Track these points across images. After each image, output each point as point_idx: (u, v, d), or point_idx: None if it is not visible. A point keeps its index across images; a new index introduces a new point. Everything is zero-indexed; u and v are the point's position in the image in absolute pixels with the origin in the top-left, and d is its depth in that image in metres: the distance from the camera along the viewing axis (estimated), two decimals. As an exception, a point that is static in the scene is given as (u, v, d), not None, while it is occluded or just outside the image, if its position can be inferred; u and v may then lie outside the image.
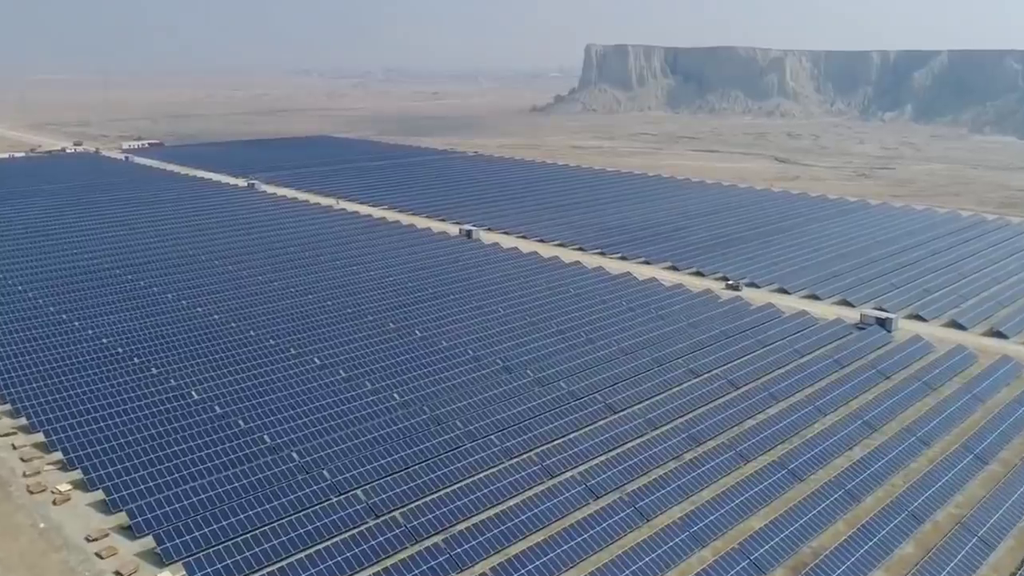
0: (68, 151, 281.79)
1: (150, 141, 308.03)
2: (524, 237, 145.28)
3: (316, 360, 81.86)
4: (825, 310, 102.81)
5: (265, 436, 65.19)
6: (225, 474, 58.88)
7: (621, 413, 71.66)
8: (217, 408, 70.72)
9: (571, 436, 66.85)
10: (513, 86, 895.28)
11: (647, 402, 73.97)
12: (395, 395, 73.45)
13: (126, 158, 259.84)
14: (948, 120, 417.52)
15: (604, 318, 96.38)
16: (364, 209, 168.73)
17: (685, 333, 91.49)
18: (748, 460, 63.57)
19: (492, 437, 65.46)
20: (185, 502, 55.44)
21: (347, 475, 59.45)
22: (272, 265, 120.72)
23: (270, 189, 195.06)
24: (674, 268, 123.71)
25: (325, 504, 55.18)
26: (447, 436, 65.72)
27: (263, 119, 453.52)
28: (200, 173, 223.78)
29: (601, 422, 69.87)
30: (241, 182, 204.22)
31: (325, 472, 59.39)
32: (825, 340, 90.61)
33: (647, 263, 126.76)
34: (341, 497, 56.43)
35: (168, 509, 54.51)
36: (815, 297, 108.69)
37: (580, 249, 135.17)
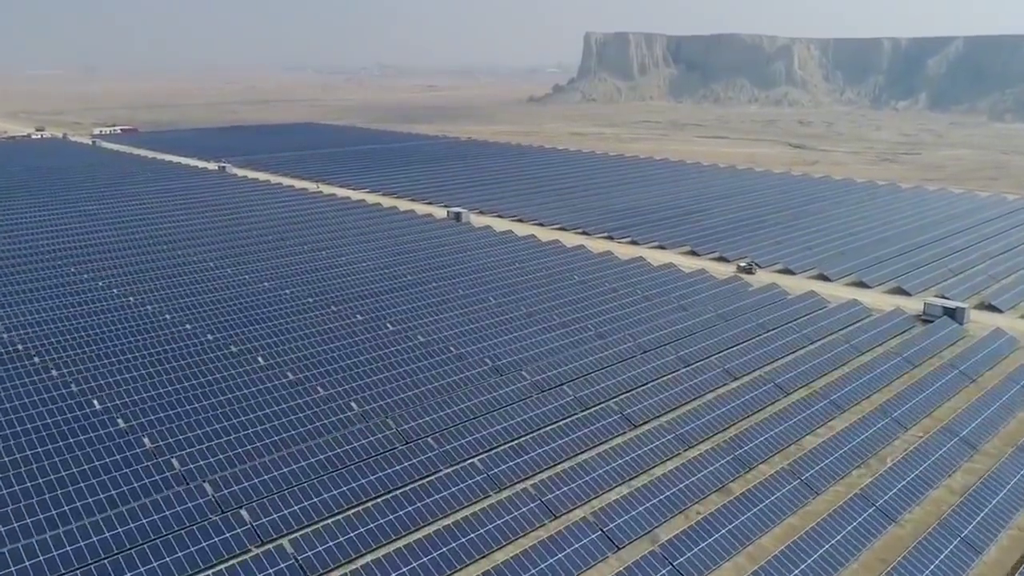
0: (33, 136, 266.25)
1: (124, 127, 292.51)
2: (520, 220, 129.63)
3: (260, 360, 66.14)
4: (877, 299, 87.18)
5: (166, 463, 49.31)
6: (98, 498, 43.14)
7: (643, 428, 56.05)
8: (120, 422, 54.91)
9: (580, 459, 51.20)
10: (510, 82, 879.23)
11: (675, 413, 58.35)
12: (353, 404, 57.72)
13: (93, 143, 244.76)
14: (965, 108, 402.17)
15: (616, 309, 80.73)
16: (345, 192, 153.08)
17: (715, 326, 75.84)
18: (817, 492, 47.89)
19: (475, 460, 49.76)
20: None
21: (266, 519, 43.67)
22: (229, 250, 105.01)
23: (243, 172, 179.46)
24: (693, 253, 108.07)
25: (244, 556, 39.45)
26: (415, 460, 50.00)
27: (251, 108, 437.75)
28: (169, 157, 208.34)
29: (618, 440, 54.24)
30: (212, 165, 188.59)
31: (230, 518, 43.61)
32: (886, 334, 74.95)
33: (661, 248, 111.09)
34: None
35: None
36: (862, 284, 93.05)
37: (584, 233, 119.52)
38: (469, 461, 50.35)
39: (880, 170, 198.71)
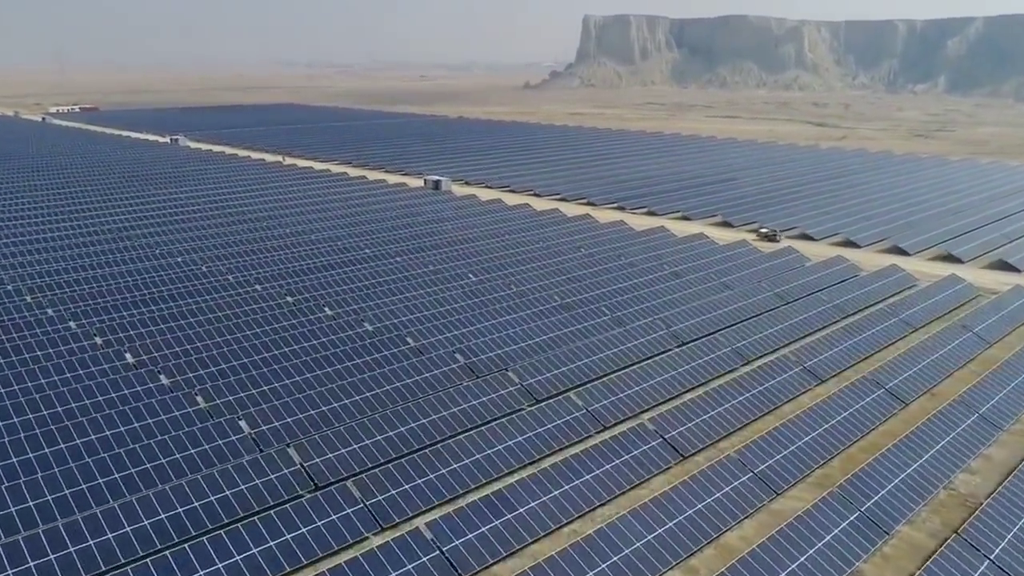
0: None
1: (83, 106, 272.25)
2: (510, 189, 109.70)
3: (128, 357, 46.04)
4: (979, 275, 67.24)
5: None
6: None
7: (693, 458, 36.11)
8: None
9: (600, 517, 31.23)
10: (506, 75, 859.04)
11: (735, 435, 38.40)
12: (242, 423, 37.61)
13: (42, 119, 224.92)
14: (987, 91, 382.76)
15: (637, 287, 60.75)
16: (314, 165, 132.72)
17: (775, 309, 56.01)
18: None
19: (420, 526, 29.74)
20: None
21: None
22: (151, 219, 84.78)
23: (199, 145, 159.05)
24: (726, 224, 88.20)
25: None
26: (333, 517, 30.00)
27: (235, 94, 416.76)
28: (122, 132, 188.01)
29: (656, 477, 34.27)
30: (165, 139, 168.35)
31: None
32: (1014, 320, 55.01)
33: (686, 219, 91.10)
34: None
35: None
36: (953, 259, 73.13)
37: (588, 203, 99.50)
38: (409, 521, 30.43)
39: (916, 145, 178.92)
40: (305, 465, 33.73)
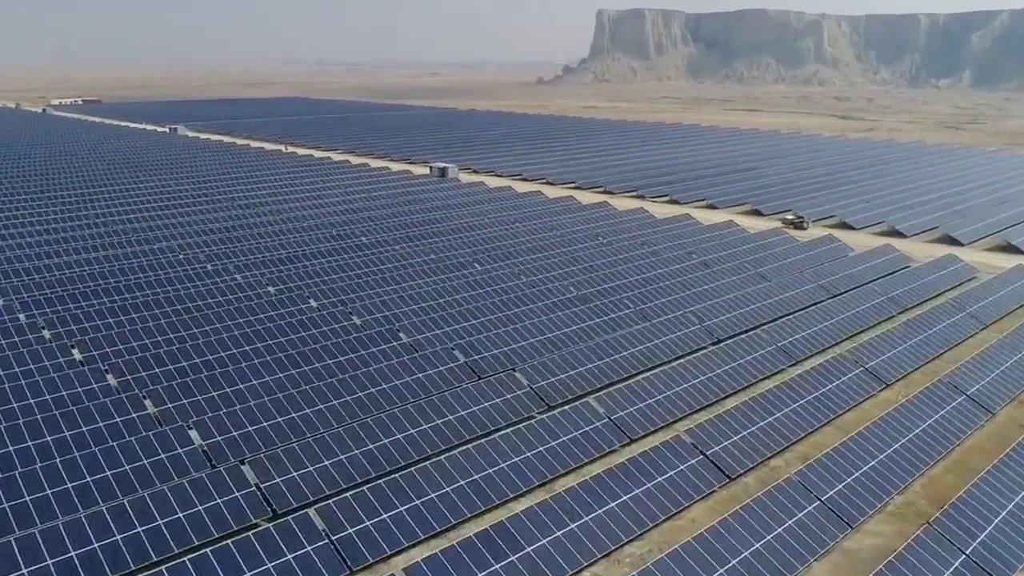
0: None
1: (86, 98, 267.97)
2: (521, 178, 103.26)
3: (76, 353, 39.89)
4: (1044, 268, 60.29)
5: None
6: None
7: (741, 479, 29.65)
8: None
9: (629, 558, 24.84)
10: (519, 72, 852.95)
11: (790, 451, 31.88)
12: (192, 433, 31.33)
13: (43, 110, 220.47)
14: (1014, 85, 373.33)
15: (662, 278, 54.22)
16: (314, 153, 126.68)
17: (819, 303, 49.46)
18: None
19: (398, 572, 23.35)
20: None
21: None
22: (137, 206, 78.90)
23: (198, 135, 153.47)
24: (756, 212, 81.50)
25: None
26: (288, 557, 23.65)
27: (241, 90, 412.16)
28: (121, 123, 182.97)
29: (698, 504, 27.81)
30: (164, 129, 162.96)
31: None
32: (1098, 316, 48.20)
33: (712, 207, 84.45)
34: None
35: None
36: (1014, 249, 66.16)
37: (605, 192, 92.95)
38: None
39: (947, 136, 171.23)
40: (262, 487, 27.41)
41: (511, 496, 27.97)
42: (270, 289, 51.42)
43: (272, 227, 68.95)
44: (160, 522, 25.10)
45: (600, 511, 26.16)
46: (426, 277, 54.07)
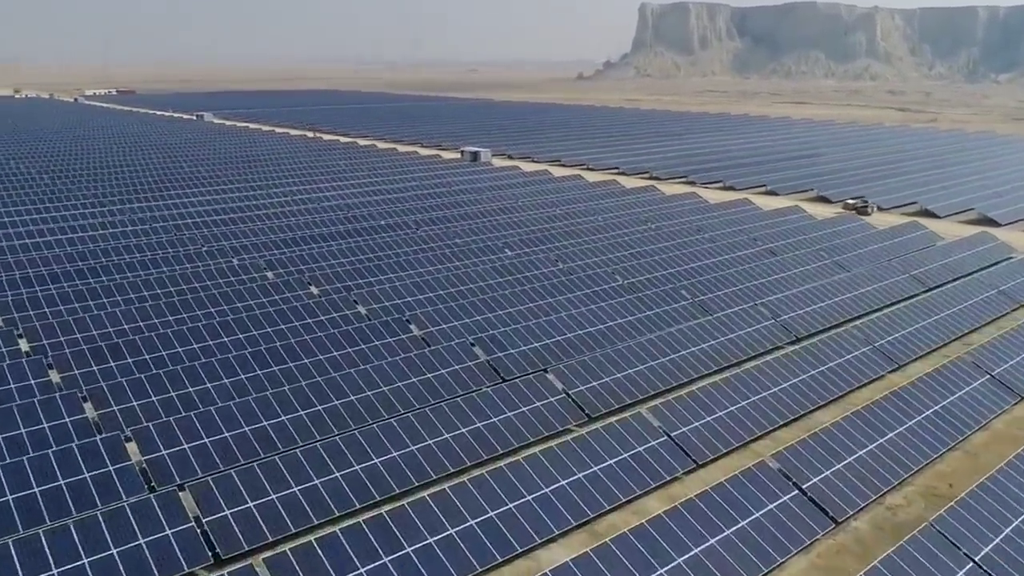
0: (16, 96, 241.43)
1: (120, 89, 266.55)
2: (559, 163, 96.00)
3: (23, 344, 33.59)
4: None
5: None
6: None
7: (849, 522, 22.03)
8: None
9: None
10: (558, 71, 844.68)
11: (911, 482, 24.20)
12: (132, 445, 24.59)
13: (75, 100, 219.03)
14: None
15: (722, 266, 46.72)
16: (340, 139, 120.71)
17: (914, 296, 41.59)
18: None
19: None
20: None
21: None
22: (140, 185, 73.16)
23: (224, 122, 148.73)
24: (823, 200, 73.21)
25: None
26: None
27: (274, 84, 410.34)
28: (150, 111, 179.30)
29: (800, 555, 20.17)
30: (191, 116, 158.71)
31: None
32: None
33: (772, 193, 76.41)
34: None
35: None
36: None
37: (651, 177, 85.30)
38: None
39: (1018, 128, 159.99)
40: (204, 521, 20.55)
41: (539, 542, 20.82)
42: (268, 274, 44.90)
43: (281, 208, 62.60)
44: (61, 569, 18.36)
45: (662, 571, 18.84)
46: (447, 262, 47.14)
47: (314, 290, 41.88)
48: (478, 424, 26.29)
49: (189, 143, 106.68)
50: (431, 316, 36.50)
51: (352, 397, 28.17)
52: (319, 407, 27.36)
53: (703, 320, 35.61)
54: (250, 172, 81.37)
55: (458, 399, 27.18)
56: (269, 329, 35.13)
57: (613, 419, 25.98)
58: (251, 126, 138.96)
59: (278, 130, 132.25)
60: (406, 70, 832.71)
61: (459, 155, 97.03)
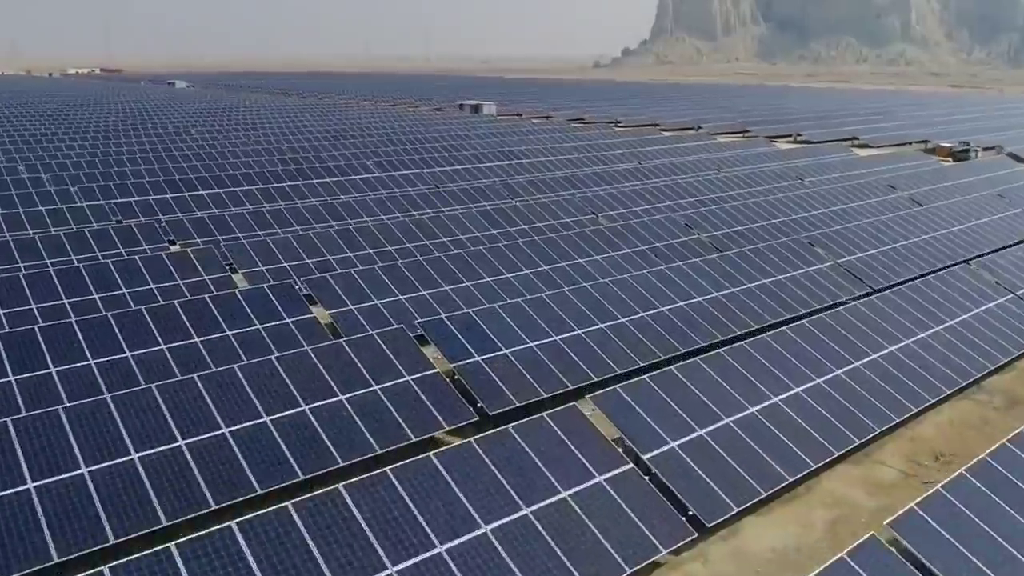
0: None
1: (106, 68, 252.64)
2: (580, 120, 79.86)
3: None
4: None
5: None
6: None
7: None
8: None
9: None
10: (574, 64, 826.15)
11: None
12: None
13: (49, 75, 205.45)
14: None
15: (828, 220, 30.32)
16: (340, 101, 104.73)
17: None
18: None
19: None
20: None
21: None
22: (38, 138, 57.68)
23: (197, 89, 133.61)
24: (930, 147, 56.72)
25: None
26: None
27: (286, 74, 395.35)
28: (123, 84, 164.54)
29: None
30: (161, 84, 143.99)
31: None
32: None
33: (865, 146, 59.97)
34: None
35: None
36: None
37: (712, 133, 69.00)
38: None
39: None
40: None
41: None
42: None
43: (207, 150, 46.74)
44: None
45: None
46: (403, 212, 31.06)
47: (174, 246, 25.86)
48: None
49: (135, 100, 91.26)
50: (359, 291, 20.34)
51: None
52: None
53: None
54: (194, 118, 65.49)
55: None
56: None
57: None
58: (225, 94, 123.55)
59: (253, 95, 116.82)
60: (417, 63, 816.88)
61: (458, 108, 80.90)
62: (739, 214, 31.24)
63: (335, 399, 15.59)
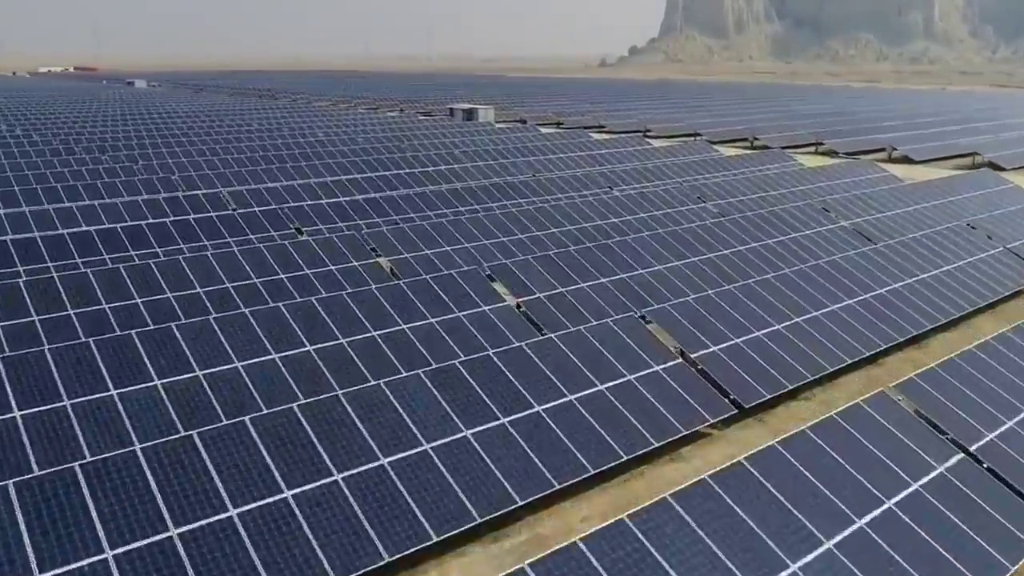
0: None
1: (79, 66, 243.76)
2: (601, 127, 69.69)
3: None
4: None
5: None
6: None
7: None
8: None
9: None
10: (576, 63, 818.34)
11: None
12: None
13: (13, 73, 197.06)
14: None
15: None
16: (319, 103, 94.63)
17: None
18: None
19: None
20: None
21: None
22: None
23: (156, 87, 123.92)
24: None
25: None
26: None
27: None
28: (84, 84, 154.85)
29: None
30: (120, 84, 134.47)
31: None
32: None
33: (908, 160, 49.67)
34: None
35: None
36: None
37: (751, 146, 58.71)
38: None
39: None
40: None
41: None
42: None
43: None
44: None
45: None
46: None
47: None
48: None
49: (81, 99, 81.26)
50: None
51: None
52: None
53: None
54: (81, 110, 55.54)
55: None
56: None
57: None
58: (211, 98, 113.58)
59: (228, 99, 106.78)
60: (419, 60, 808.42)
61: (449, 115, 70.75)
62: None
63: (595, 389, 15.60)
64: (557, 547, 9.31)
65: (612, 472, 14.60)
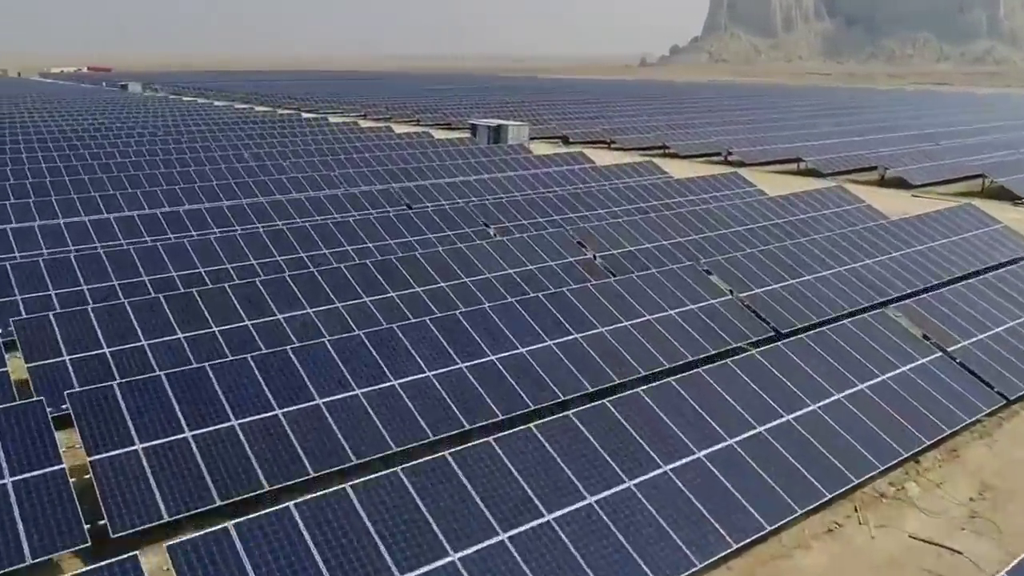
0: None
1: (92, 66, 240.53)
2: (678, 157, 60.84)
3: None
4: None
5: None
6: None
7: None
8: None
9: None
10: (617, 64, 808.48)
11: None
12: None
13: (18, 74, 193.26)
14: None
15: None
16: (332, 118, 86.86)
17: None
18: None
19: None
20: None
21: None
22: None
23: (179, 97, 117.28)
24: None
25: None
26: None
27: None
28: (99, 86, 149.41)
29: None
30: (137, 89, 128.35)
31: None
32: None
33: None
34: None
35: None
36: None
37: (795, 167, 49.52)
38: None
39: None
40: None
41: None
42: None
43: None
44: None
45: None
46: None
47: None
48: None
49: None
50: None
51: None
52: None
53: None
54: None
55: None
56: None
57: None
58: (185, 99, 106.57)
59: (260, 109, 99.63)
60: (448, 61, 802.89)
61: (470, 133, 62.42)
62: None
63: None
64: None
65: None
